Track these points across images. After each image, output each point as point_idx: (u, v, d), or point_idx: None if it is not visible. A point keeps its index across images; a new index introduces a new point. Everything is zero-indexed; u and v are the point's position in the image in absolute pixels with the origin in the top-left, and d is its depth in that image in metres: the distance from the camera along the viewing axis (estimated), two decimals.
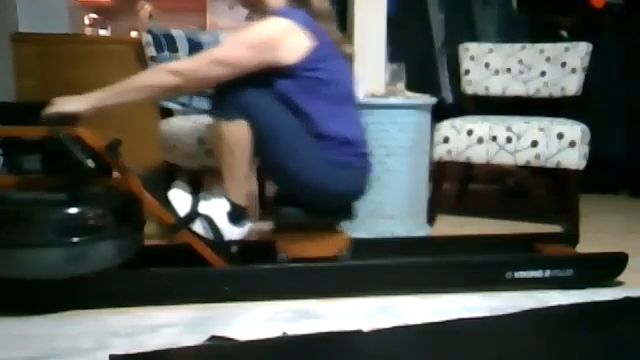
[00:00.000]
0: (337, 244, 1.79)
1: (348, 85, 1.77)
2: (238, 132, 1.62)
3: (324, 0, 1.74)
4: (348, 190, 1.74)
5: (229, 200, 1.68)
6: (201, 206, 1.66)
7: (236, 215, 1.68)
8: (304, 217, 1.73)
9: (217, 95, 1.65)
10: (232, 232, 1.68)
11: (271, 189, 1.87)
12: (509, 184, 3.41)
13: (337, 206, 1.77)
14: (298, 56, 1.62)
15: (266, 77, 1.62)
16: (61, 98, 1.57)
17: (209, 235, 1.65)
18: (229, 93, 1.61)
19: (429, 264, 1.74)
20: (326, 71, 1.67)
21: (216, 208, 1.67)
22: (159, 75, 1.61)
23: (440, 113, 2.58)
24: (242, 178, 1.69)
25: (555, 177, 2.95)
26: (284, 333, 1.37)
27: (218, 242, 1.65)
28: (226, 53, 1.61)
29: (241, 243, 1.74)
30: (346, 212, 1.79)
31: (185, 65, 1.63)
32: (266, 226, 2.02)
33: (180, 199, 1.65)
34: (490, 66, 2.87)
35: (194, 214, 1.64)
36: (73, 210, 1.47)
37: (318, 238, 1.77)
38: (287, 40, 1.61)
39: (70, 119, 1.54)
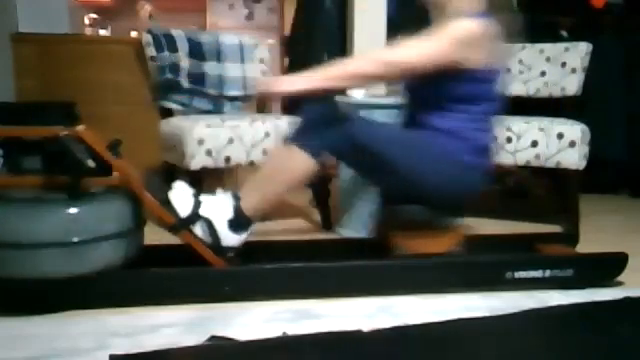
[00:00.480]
0: (452, 240, 1.81)
1: (498, 102, 1.78)
2: (304, 166, 1.66)
3: None
4: (468, 189, 1.76)
5: (236, 207, 1.67)
6: (203, 209, 1.66)
7: (238, 223, 1.67)
8: (420, 215, 1.78)
9: (307, 126, 1.67)
10: (230, 238, 1.66)
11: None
12: (509, 184, 3.41)
13: (458, 204, 1.81)
14: (482, 64, 1.65)
15: (440, 76, 1.64)
16: (284, 77, 1.64)
17: (207, 238, 1.65)
18: (326, 128, 1.65)
19: (429, 264, 1.74)
20: (490, 87, 1.71)
21: (218, 212, 1.66)
22: (372, 65, 1.62)
23: None
24: (270, 200, 1.70)
25: (555, 177, 2.95)
26: (284, 333, 1.37)
27: (215, 246, 1.65)
28: (432, 47, 1.62)
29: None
30: (458, 210, 1.84)
31: (396, 57, 1.64)
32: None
33: (181, 200, 1.65)
34: None
35: (195, 216, 1.64)
36: (73, 210, 1.47)
37: (433, 234, 1.80)
38: (482, 45, 1.64)
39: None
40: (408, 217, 1.78)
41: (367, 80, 1.67)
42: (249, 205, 1.68)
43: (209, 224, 1.64)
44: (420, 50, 1.63)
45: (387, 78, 1.71)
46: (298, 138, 1.67)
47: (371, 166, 1.72)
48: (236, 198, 1.69)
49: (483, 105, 1.71)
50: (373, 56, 1.65)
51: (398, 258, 1.78)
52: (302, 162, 1.66)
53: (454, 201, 1.78)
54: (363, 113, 2.22)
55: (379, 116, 2.21)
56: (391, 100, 2.29)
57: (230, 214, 1.66)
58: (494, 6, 1.72)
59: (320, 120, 1.66)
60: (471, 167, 1.71)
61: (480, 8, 1.71)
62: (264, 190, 1.69)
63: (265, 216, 1.72)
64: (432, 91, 1.69)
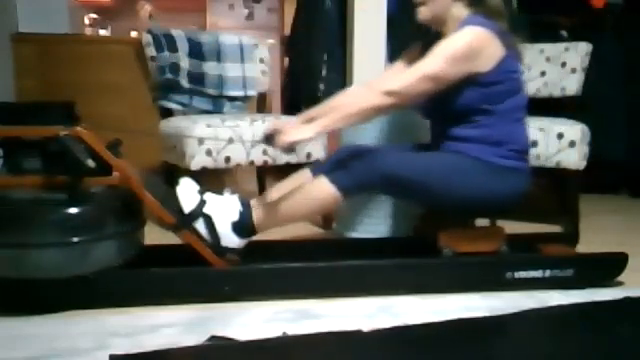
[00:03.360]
0: (497, 238, 1.82)
1: (524, 95, 1.80)
2: (331, 199, 1.68)
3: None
4: (515, 193, 1.77)
5: (244, 213, 1.67)
6: (207, 206, 1.66)
7: (242, 228, 1.67)
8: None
9: (339, 163, 1.71)
10: (231, 240, 1.66)
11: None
12: None
13: (503, 207, 1.82)
14: (492, 65, 1.66)
15: (456, 87, 1.65)
16: (287, 126, 1.66)
17: (206, 236, 1.65)
18: (357, 166, 1.67)
19: (429, 264, 1.74)
20: (511, 82, 1.72)
21: (222, 212, 1.66)
22: (375, 97, 1.63)
23: None
24: (283, 221, 1.72)
25: (555, 177, 2.95)
26: (284, 333, 1.37)
27: (214, 246, 1.65)
28: (432, 68, 1.63)
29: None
30: (507, 210, 1.85)
31: (398, 85, 1.64)
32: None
33: (187, 195, 1.65)
34: None
35: (198, 212, 1.64)
36: (73, 210, 1.47)
37: (479, 233, 1.82)
38: (484, 49, 1.65)
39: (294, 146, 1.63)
40: (452, 217, 1.80)
41: (376, 113, 1.67)
42: (260, 217, 1.68)
43: (210, 222, 1.64)
44: (419, 74, 1.64)
45: (393, 107, 1.68)
46: (330, 172, 1.69)
47: (409, 194, 1.76)
48: (245, 205, 1.69)
49: (507, 103, 1.71)
50: (380, 88, 1.64)
51: (397, 258, 1.78)
52: (329, 195, 1.67)
53: (498, 206, 1.79)
54: None
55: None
56: None
57: (235, 217, 1.66)
58: (492, 7, 1.72)
59: (351, 158, 1.68)
60: (510, 170, 1.72)
61: (478, 12, 1.70)
62: (281, 211, 1.69)
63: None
64: (452, 104, 1.70)
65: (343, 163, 1.70)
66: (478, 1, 1.71)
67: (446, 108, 1.72)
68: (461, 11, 1.71)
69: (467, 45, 1.63)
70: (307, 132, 1.63)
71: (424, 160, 1.73)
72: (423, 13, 1.75)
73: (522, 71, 1.79)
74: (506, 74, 1.69)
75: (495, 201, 1.74)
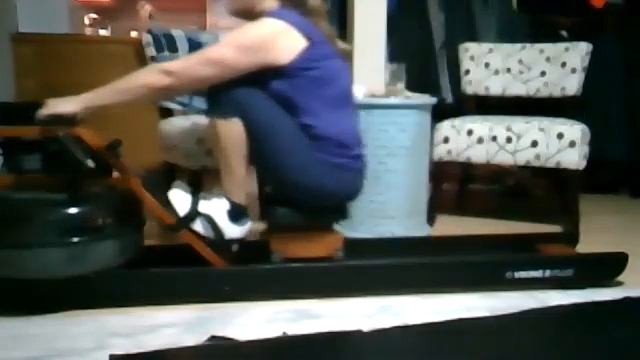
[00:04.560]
0: (331, 244, 1.78)
1: (344, 84, 1.77)
2: (233, 131, 1.62)
3: None
4: (342, 191, 1.74)
5: (229, 199, 1.68)
6: (201, 205, 1.66)
7: (236, 214, 1.68)
8: (298, 217, 1.73)
9: (213, 94, 1.65)
10: (233, 231, 1.68)
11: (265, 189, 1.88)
12: (509, 184, 3.41)
13: (331, 206, 1.78)
14: (292, 56, 1.62)
15: (262, 78, 1.63)
16: (54, 99, 1.57)
17: (209, 234, 1.65)
18: (224, 92, 1.61)
19: (429, 264, 1.74)
20: (321, 70, 1.67)
21: (216, 207, 1.67)
22: (152, 75, 1.60)
23: (440, 113, 2.57)
24: (240, 177, 1.68)
25: (555, 177, 2.95)
26: (284, 333, 1.37)
27: (219, 241, 1.65)
28: (217, 53, 1.60)
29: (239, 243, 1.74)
30: (339, 212, 1.80)
31: (177, 65, 1.61)
32: (263, 226, 2.02)
33: (180, 199, 1.65)
34: (490, 66, 2.88)
35: (194, 213, 1.64)
36: (73, 210, 1.47)
37: (312, 238, 1.77)
38: (279, 41, 1.61)
39: (64, 120, 1.54)
40: (286, 219, 1.74)
41: (152, 92, 1.61)
42: (234, 192, 1.68)
43: (210, 220, 1.65)
44: (201, 58, 1.60)
45: (175, 89, 1.63)
46: (211, 111, 1.65)
47: (252, 143, 1.66)
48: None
49: (322, 92, 1.66)
50: (158, 67, 1.62)
51: (397, 258, 1.78)
52: (232, 127, 1.61)
53: (324, 201, 1.73)
54: (363, 114, 2.22)
55: (379, 116, 2.21)
56: (391, 100, 2.29)
57: (227, 206, 1.67)
58: (303, 2, 1.69)
59: (218, 89, 1.62)
60: (336, 167, 1.68)
61: (280, 5, 1.69)
62: (232, 170, 1.66)
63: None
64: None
65: (220, 96, 1.62)
66: None
67: None
68: (270, 4, 1.70)
69: (257, 35, 1.61)
70: (69, 105, 1.55)
71: (278, 122, 1.65)
72: (234, 4, 1.74)
73: (333, 59, 1.72)
74: (311, 62, 1.64)
75: (320, 197, 1.70)
